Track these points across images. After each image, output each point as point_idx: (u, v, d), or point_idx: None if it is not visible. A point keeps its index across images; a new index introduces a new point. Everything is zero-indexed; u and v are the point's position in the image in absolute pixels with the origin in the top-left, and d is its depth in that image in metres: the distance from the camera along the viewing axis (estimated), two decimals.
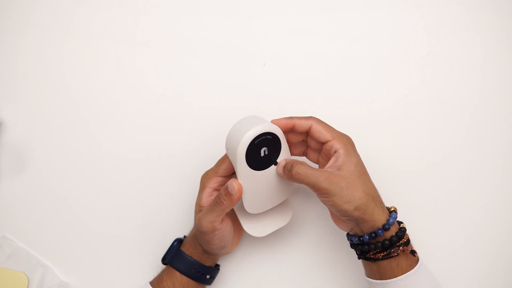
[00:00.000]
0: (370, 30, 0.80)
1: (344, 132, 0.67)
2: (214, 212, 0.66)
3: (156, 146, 0.79)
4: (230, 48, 0.80)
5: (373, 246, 0.63)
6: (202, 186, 0.70)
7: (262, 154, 0.65)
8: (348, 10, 0.80)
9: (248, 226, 0.70)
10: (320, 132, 0.66)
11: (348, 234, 0.67)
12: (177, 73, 0.80)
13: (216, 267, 0.73)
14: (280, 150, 0.66)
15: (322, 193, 0.63)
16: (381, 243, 0.63)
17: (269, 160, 0.66)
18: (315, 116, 0.68)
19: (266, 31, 0.80)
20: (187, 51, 0.80)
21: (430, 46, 0.79)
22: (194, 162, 0.77)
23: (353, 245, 0.67)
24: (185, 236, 0.74)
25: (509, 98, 0.78)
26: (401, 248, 0.63)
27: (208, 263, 0.71)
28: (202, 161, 0.75)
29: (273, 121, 0.67)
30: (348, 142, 0.66)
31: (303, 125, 0.67)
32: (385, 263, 0.63)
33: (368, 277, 0.66)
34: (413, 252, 0.64)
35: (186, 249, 0.71)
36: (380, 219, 0.63)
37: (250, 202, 0.67)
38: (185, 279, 0.70)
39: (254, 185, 0.66)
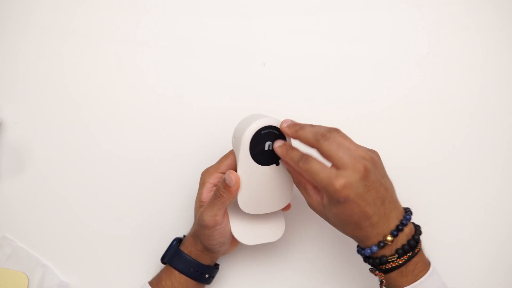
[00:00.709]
0: (370, 30, 0.80)
1: (366, 153, 0.60)
2: (215, 206, 0.66)
3: (156, 146, 0.79)
4: (230, 48, 0.80)
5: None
6: (202, 182, 0.70)
7: (266, 148, 0.65)
8: (348, 10, 0.80)
9: (237, 230, 0.69)
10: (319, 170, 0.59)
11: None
12: (177, 73, 0.80)
13: (216, 267, 0.73)
14: None
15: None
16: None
17: (272, 158, 0.66)
18: (338, 130, 0.61)
19: (266, 31, 0.80)
20: (187, 51, 0.80)
21: (430, 46, 0.79)
22: (194, 162, 0.77)
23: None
24: (184, 236, 0.74)
25: (509, 98, 0.78)
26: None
27: (208, 261, 0.71)
28: (202, 161, 0.75)
29: (283, 122, 0.64)
30: (352, 175, 0.58)
31: (308, 143, 0.62)
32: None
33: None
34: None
35: (185, 248, 0.71)
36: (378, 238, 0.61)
37: (245, 199, 0.66)
38: (184, 278, 0.70)
39: (253, 180, 0.66)
